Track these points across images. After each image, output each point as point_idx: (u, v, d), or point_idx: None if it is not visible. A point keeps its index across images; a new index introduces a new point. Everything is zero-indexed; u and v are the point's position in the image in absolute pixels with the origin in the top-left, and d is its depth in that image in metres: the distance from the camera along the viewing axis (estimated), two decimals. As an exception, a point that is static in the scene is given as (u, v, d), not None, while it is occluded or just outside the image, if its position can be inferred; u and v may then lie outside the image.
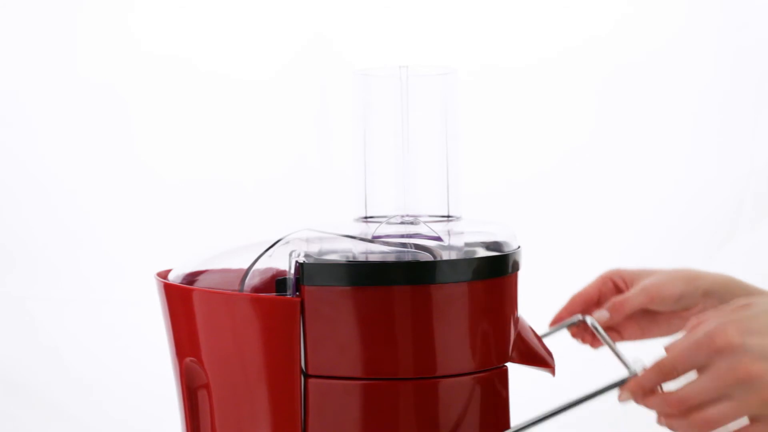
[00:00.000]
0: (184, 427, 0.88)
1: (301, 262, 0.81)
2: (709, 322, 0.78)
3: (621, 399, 0.81)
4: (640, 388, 0.80)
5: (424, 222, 0.85)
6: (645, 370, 0.81)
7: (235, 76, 1.97)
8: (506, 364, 0.85)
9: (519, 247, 0.86)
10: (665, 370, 0.79)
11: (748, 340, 0.76)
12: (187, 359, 0.85)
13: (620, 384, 0.82)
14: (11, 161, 1.97)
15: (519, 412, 0.89)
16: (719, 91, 1.93)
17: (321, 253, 0.82)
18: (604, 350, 1.82)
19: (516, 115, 1.96)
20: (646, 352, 0.87)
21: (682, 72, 1.94)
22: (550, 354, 0.88)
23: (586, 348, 1.03)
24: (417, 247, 0.81)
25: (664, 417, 0.80)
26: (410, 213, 0.86)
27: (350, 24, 1.96)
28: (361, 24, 1.96)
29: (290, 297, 0.81)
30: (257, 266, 0.84)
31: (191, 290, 0.85)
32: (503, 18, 1.95)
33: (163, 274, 0.89)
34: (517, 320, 0.86)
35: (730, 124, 1.93)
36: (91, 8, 1.96)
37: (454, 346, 0.80)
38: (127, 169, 1.97)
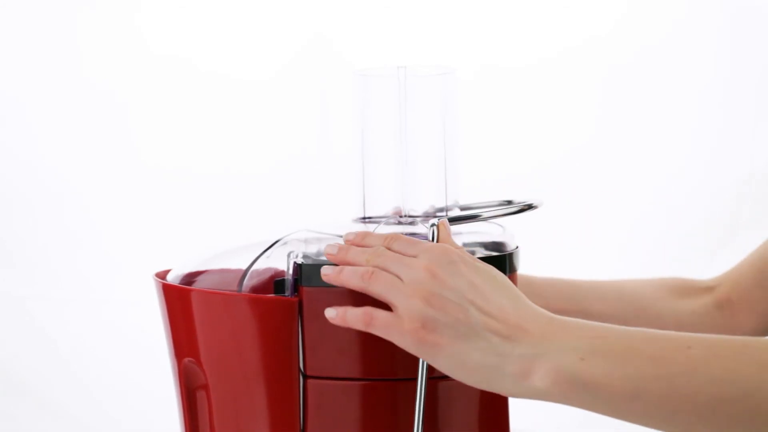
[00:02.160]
0: (183, 427, 0.88)
1: (299, 263, 0.81)
2: None
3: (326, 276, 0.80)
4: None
5: (422, 223, 0.85)
6: None
7: (235, 76, 1.97)
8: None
9: (517, 247, 0.86)
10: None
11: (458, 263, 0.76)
12: (186, 359, 0.85)
13: None
14: (11, 161, 1.97)
15: (518, 412, 0.89)
16: (719, 91, 1.93)
17: (319, 254, 0.83)
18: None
19: (515, 116, 1.96)
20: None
21: (682, 72, 1.94)
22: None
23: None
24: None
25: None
26: (408, 213, 0.86)
27: (350, 24, 1.96)
28: (361, 24, 1.96)
29: (288, 297, 0.81)
30: (255, 267, 0.84)
31: (189, 290, 0.85)
32: (503, 18, 1.95)
33: (162, 275, 0.89)
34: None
35: (729, 124, 1.93)
36: (92, 9, 1.96)
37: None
38: (128, 170, 1.97)
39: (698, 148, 1.95)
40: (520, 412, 0.93)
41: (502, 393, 0.75)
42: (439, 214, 0.85)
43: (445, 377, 0.79)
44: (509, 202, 0.88)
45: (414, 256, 0.77)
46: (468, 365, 0.74)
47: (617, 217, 1.96)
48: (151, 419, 1.79)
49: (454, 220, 0.84)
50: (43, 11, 1.95)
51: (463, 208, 0.87)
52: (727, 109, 1.93)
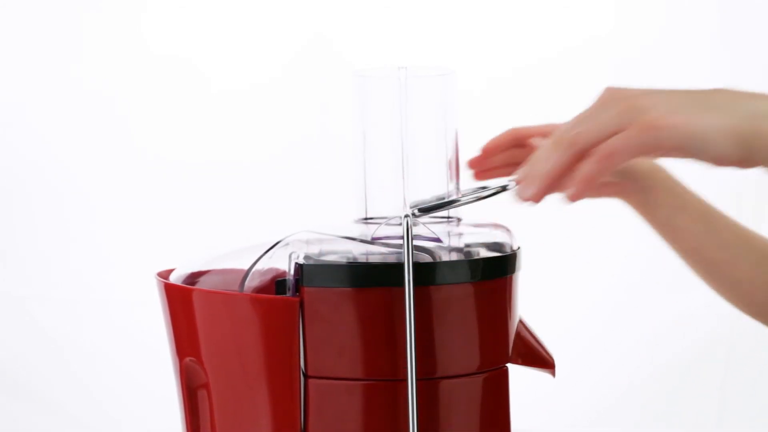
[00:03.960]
0: (184, 427, 0.88)
1: (301, 263, 0.81)
2: None
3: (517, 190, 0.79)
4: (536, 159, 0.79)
5: (424, 223, 0.85)
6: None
7: (236, 77, 1.97)
8: (506, 365, 0.85)
9: (519, 247, 0.86)
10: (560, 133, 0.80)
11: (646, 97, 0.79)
12: (187, 359, 0.85)
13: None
14: (12, 160, 1.97)
15: (519, 413, 0.89)
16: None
17: (321, 254, 0.82)
18: (609, 352, 1.82)
19: (515, 116, 1.96)
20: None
21: (682, 71, 1.94)
22: (550, 355, 0.88)
23: (588, 349, 1.03)
24: (416, 248, 0.81)
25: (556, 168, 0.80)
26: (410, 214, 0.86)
27: (350, 24, 1.96)
28: (361, 24, 1.96)
29: (289, 297, 0.81)
30: (257, 267, 0.84)
31: (191, 290, 0.85)
32: (503, 18, 1.95)
33: (164, 274, 0.89)
34: (516, 321, 0.86)
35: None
36: (94, 10, 1.97)
37: (454, 347, 0.81)
38: (128, 170, 1.98)
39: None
40: (521, 412, 0.93)
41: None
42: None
43: (445, 377, 0.80)
44: (484, 188, 0.87)
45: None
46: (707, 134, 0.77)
47: (616, 216, 1.96)
48: (152, 419, 1.79)
49: (427, 210, 0.83)
50: (45, 11, 1.95)
51: (438, 198, 0.86)
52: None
